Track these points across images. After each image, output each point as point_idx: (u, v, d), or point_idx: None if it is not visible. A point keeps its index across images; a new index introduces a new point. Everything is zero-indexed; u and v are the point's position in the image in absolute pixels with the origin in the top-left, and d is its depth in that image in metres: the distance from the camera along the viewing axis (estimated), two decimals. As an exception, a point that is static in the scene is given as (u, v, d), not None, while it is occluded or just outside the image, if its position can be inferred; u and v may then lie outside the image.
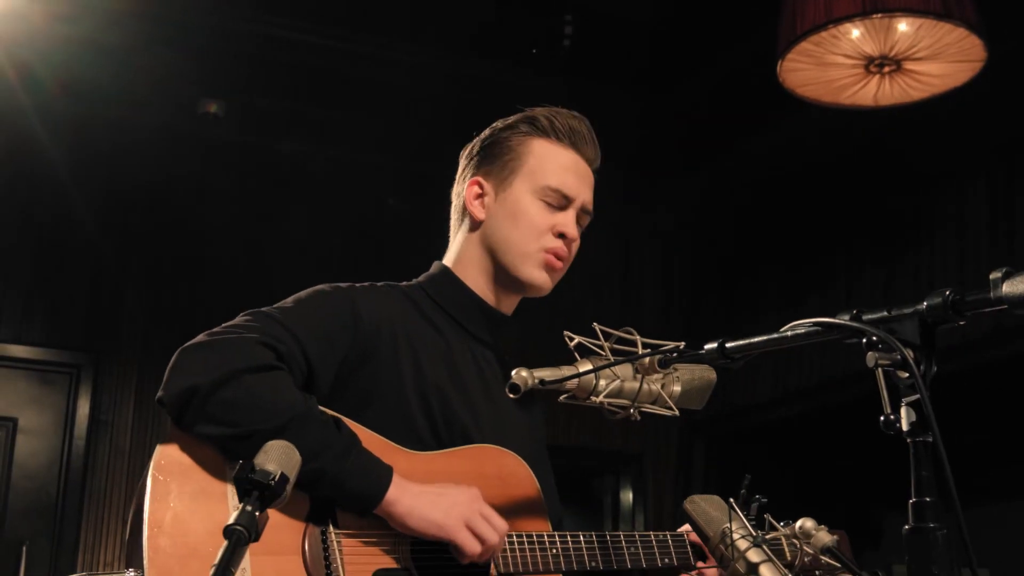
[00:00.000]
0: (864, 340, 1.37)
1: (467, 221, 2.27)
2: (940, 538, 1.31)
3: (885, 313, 1.40)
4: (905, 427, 1.34)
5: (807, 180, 6.20)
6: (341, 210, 6.27)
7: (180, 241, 6.03)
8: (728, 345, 1.64)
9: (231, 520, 1.38)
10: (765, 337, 1.58)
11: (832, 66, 4.37)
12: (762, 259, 6.61)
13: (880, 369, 1.34)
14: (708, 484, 6.57)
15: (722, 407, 6.59)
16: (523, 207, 2.19)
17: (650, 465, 6.74)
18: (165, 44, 5.28)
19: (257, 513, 1.41)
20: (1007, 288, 1.25)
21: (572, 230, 2.20)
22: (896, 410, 1.35)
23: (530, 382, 1.80)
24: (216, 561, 1.34)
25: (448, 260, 2.30)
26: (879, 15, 4.03)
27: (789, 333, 1.54)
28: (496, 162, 2.24)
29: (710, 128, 6.28)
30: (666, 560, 2.14)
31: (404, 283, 2.27)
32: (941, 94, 4.42)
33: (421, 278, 2.29)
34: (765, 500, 2.00)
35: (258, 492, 1.42)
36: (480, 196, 2.24)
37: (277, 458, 1.51)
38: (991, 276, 1.26)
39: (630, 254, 7.07)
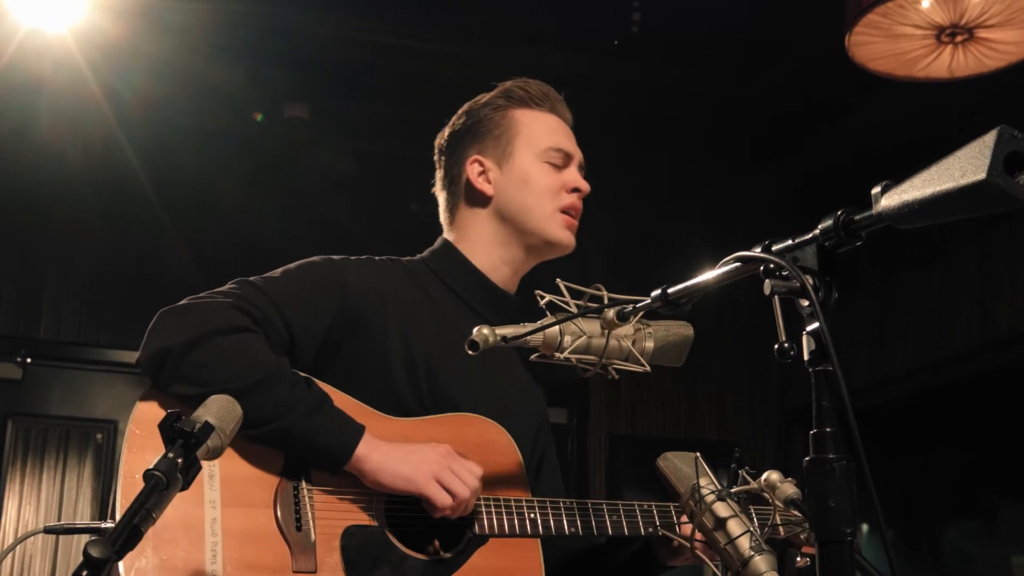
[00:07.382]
0: (762, 268, 1.33)
1: (468, 200, 2.29)
2: (839, 469, 1.27)
3: (790, 241, 1.36)
4: (805, 356, 1.30)
5: (892, 161, 6.02)
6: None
7: (264, 247, 6.14)
8: (670, 291, 1.62)
9: (151, 465, 1.43)
10: (699, 279, 1.56)
11: (902, 38, 4.24)
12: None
13: (776, 297, 1.31)
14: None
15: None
16: (532, 173, 2.24)
17: (747, 456, 6.61)
18: (247, 54, 5.38)
19: (179, 460, 1.45)
20: (884, 202, 1.20)
21: (583, 183, 2.27)
22: (797, 339, 1.31)
23: (491, 339, 1.79)
24: (132, 503, 1.39)
25: (452, 237, 2.31)
26: (946, -19, 3.93)
27: (716, 273, 1.52)
28: (487, 138, 2.28)
29: (792, 115, 6.13)
30: (650, 529, 2.11)
31: (407, 258, 2.30)
32: (1019, 62, 4.26)
33: (425, 253, 2.32)
34: (739, 451, 1.96)
35: (182, 440, 1.46)
36: (482, 173, 2.27)
37: (215, 411, 1.54)
38: (872, 191, 1.22)
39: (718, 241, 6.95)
